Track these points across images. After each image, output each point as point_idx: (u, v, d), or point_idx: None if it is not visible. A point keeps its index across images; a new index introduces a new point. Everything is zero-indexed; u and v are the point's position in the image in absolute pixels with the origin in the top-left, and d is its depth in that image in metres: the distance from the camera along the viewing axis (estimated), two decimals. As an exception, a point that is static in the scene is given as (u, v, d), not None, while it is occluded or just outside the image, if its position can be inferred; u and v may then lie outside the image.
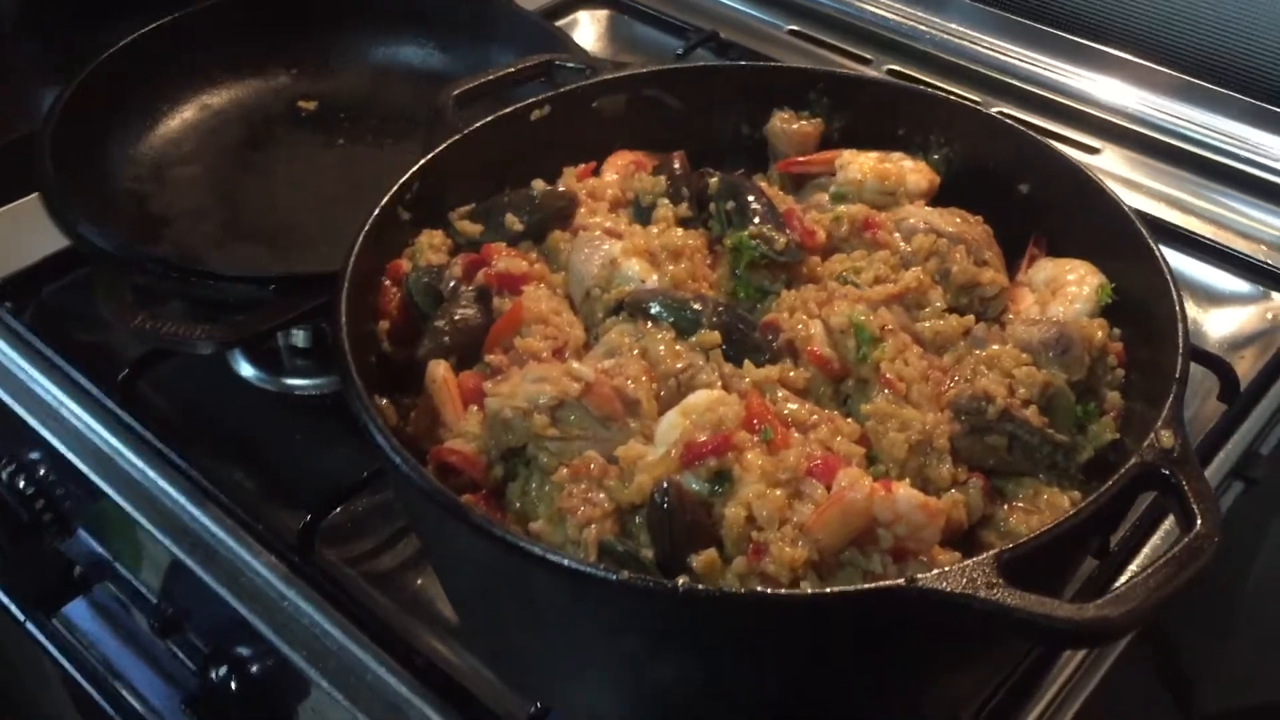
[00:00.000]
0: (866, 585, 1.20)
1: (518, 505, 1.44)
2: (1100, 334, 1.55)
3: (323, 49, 2.63)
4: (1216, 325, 2.21)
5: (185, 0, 2.53)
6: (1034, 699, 1.61)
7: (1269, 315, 2.23)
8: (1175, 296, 1.51)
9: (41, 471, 2.23)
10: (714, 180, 1.72)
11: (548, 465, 1.43)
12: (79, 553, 2.30)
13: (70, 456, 2.06)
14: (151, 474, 1.97)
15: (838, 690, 1.36)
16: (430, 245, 1.70)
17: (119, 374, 2.07)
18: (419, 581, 1.85)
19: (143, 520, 1.94)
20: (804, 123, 1.89)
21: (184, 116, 2.50)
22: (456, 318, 1.59)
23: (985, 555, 1.21)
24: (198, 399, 2.16)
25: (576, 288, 1.64)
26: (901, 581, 1.19)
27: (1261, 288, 2.27)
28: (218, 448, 2.05)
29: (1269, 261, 2.27)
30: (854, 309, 1.52)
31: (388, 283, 1.65)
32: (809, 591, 1.21)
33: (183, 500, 1.93)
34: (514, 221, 1.69)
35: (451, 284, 1.64)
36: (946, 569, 1.19)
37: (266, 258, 2.20)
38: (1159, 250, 1.58)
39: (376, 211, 1.62)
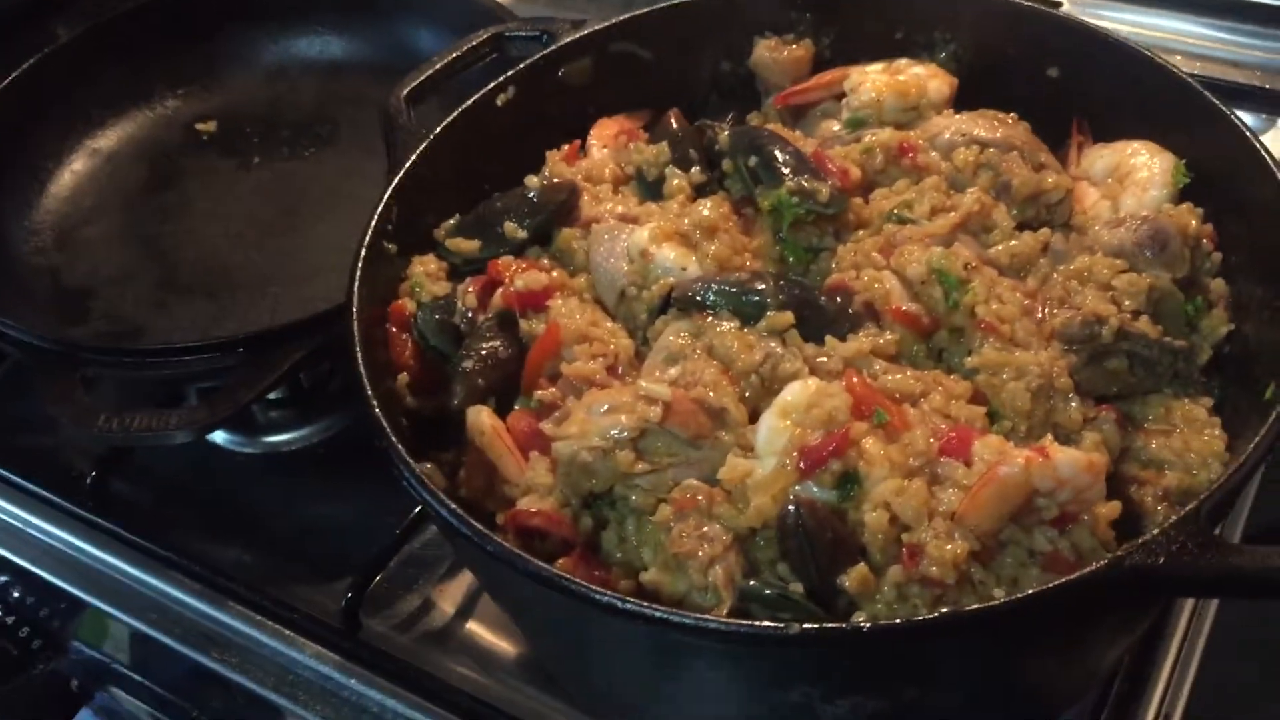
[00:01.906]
0: (1074, 578, 1.04)
1: (619, 556, 1.26)
2: (1194, 221, 1.41)
3: (206, 59, 2.35)
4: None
5: (37, 44, 2.23)
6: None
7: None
8: (1266, 157, 1.37)
9: (17, 595, 1.99)
10: (724, 135, 1.53)
11: (643, 504, 1.25)
12: (77, 666, 2.07)
13: (50, 579, 1.83)
14: (153, 581, 1.75)
15: (1017, 684, 1.22)
16: (427, 275, 1.49)
17: (87, 478, 1.83)
18: (468, 626, 1.67)
19: (158, 635, 1.73)
20: (793, 47, 1.70)
21: (74, 169, 2.21)
22: (484, 353, 1.39)
23: (1188, 511, 1.06)
24: (175, 482, 1.93)
25: (607, 289, 1.44)
26: (1105, 563, 1.04)
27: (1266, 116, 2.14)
28: (212, 531, 1.84)
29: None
30: (929, 252, 1.35)
31: (394, 330, 1.43)
32: (1016, 597, 1.05)
33: (194, 602, 1.72)
34: (514, 229, 1.49)
35: (468, 315, 1.43)
36: (1150, 539, 1.05)
37: (215, 313, 1.95)
38: (1232, 113, 1.43)
39: (363, 252, 1.41)
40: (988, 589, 1.16)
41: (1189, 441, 1.30)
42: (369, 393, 1.27)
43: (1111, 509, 1.20)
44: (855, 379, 1.26)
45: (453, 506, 1.15)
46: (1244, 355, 1.37)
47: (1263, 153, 1.40)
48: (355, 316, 1.34)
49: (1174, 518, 1.06)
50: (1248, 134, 1.42)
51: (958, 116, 1.56)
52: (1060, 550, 1.16)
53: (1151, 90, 1.51)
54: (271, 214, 2.11)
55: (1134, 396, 1.35)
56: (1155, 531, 1.04)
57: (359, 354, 1.29)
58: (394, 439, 1.23)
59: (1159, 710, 1.40)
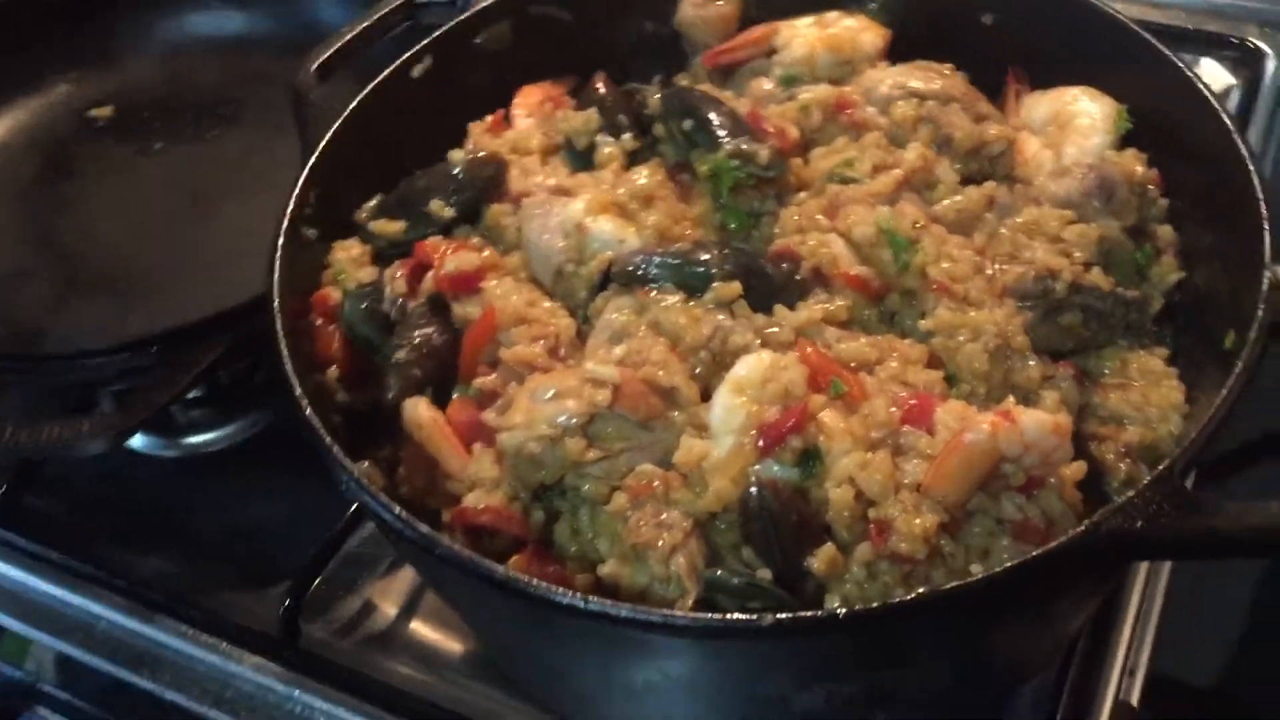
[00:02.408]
0: (1052, 547, 1.01)
1: (573, 549, 1.20)
2: (1139, 167, 1.38)
3: (99, 41, 2.20)
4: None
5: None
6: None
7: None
8: (1209, 97, 1.34)
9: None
10: (655, 98, 1.46)
11: (596, 493, 1.19)
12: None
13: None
14: (75, 599, 1.66)
15: (991, 656, 1.19)
16: (351, 260, 1.41)
17: (-5, 493, 1.73)
18: (412, 626, 1.60)
19: (84, 656, 1.63)
20: (719, 4, 1.63)
21: (-40, 163, 2.08)
22: (417, 342, 1.32)
23: (1161, 471, 1.04)
24: (92, 491, 1.83)
25: (542, 266, 1.37)
26: (1081, 531, 1.01)
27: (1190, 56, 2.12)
28: (135, 542, 1.74)
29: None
30: (875, 212, 1.30)
31: (319, 321, 1.35)
32: (997, 571, 1.01)
33: (121, 619, 1.63)
34: (440, 208, 1.41)
35: (397, 302, 1.35)
36: (1125, 501, 1.02)
37: (122, 310, 1.84)
38: (1175, 56, 1.40)
39: (280, 240, 1.32)
40: (958, 561, 1.12)
41: (1147, 395, 1.28)
42: (298, 392, 1.19)
43: (1077, 469, 1.16)
44: (809, 349, 1.21)
45: (397, 510, 1.08)
46: (1195, 303, 1.35)
47: (1206, 93, 1.38)
48: (277, 310, 1.25)
49: (1148, 477, 1.03)
50: (1190, 76, 1.39)
51: (893, 69, 1.51)
52: (1030, 517, 1.12)
53: (1089, 35, 1.48)
54: (176, 201, 1.99)
55: (1088, 351, 1.32)
56: (1131, 494, 1.01)
57: (284, 350, 1.21)
58: (329, 440, 1.15)
59: (1123, 666, 1.38)
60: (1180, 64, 1.38)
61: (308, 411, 1.16)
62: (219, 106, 2.16)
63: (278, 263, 1.30)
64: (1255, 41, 2.07)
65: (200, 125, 2.13)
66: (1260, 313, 1.13)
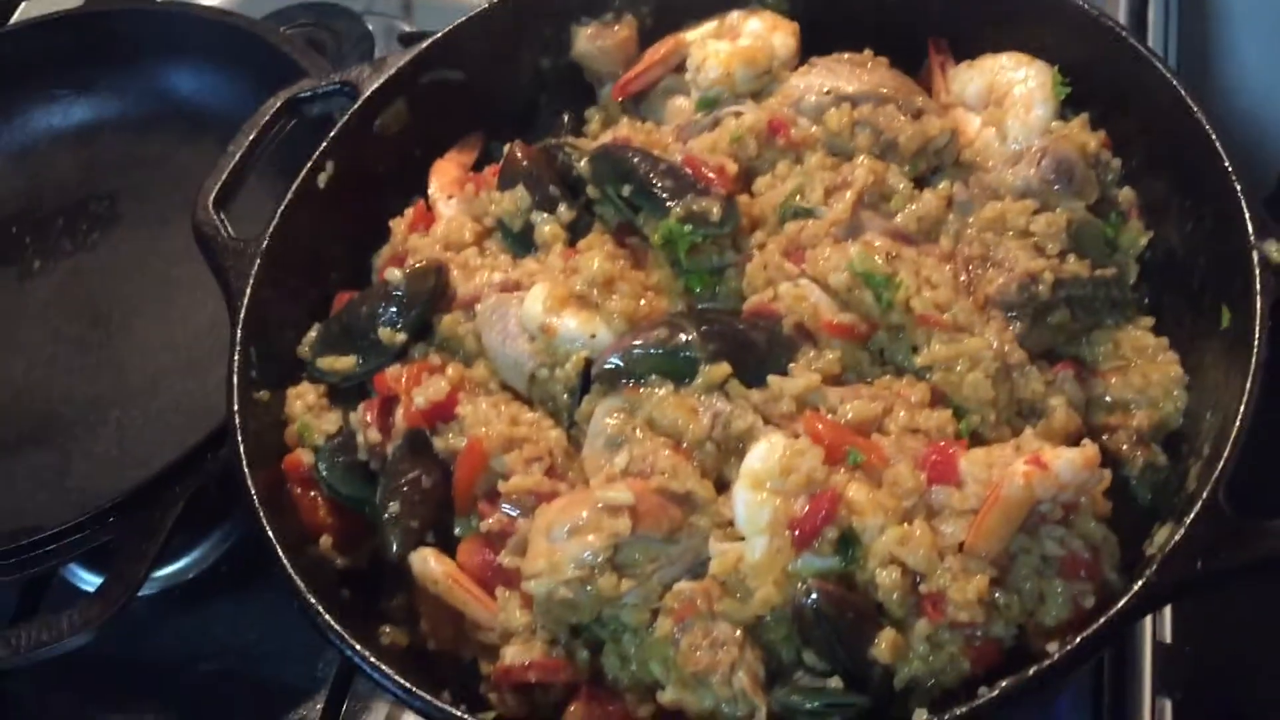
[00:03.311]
0: (1119, 609, 1.00)
1: (626, 679, 1.17)
2: (1090, 139, 1.34)
3: (-65, 160, 2.04)
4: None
5: None
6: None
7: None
8: (1136, 44, 1.31)
9: None
10: (583, 163, 1.38)
11: (637, 621, 1.15)
12: None
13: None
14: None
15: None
16: (309, 409, 1.32)
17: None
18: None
19: None
20: (614, 29, 1.54)
21: None
22: (406, 490, 1.25)
23: (1207, 501, 1.03)
24: (59, 657, 1.72)
25: (513, 374, 1.30)
26: (1143, 587, 1.00)
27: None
28: (120, 701, 1.65)
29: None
30: (846, 255, 1.25)
31: (298, 490, 1.27)
32: (1069, 649, 1.01)
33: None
34: (390, 335, 1.32)
35: (375, 451, 1.28)
36: (1181, 542, 1.01)
37: (56, 463, 1.73)
38: (1089, 5, 1.36)
39: (237, 420, 1.24)
40: (1014, 610, 1.11)
41: (1147, 374, 1.27)
42: (301, 588, 1.12)
43: (1105, 480, 1.15)
44: (819, 424, 1.17)
45: (442, 708, 1.03)
46: (1171, 261, 1.34)
47: (1132, 40, 1.35)
48: (257, 502, 1.17)
49: (1196, 508, 1.02)
50: (1112, 24, 1.35)
51: (815, 71, 1.44)
52: (1073, 550, 1.11)
53: (1005, -5, 1.42)
54: (79, 327, 1.87)
55: (1079, 339, 1.30)
56: (1182, 534, 1.00)
57: (278, 549, 1.14)
58: (347, 636, 1.09)
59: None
60: (1098, 13, 1.35)
61: (322, 615, 1.10)
62: (90, 204, 2.01)
63: (240, 443, 1.22)
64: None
65: (76, 232, 1.99)
66: (1259, 301, 1.11)
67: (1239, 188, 1.18)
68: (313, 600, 1.11)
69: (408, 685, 1.06)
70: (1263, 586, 1.29)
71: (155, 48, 2.00)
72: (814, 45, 1.50)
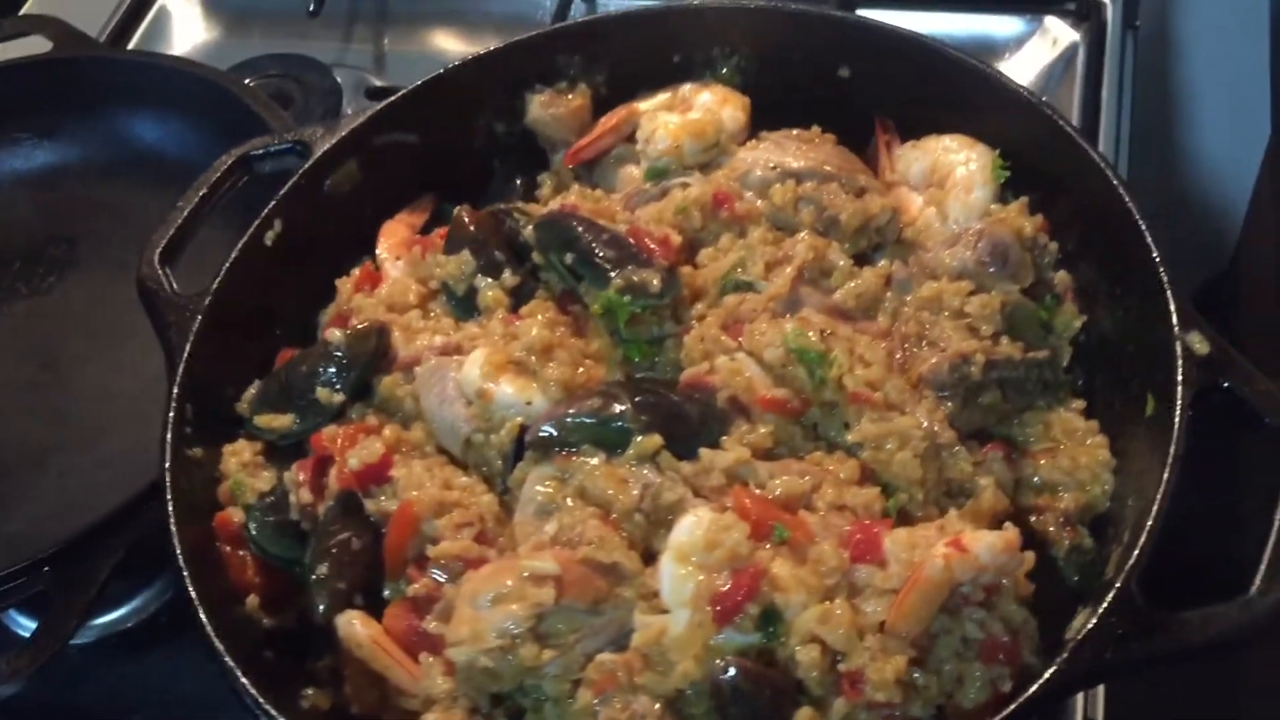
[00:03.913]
0: (1030, 695, 1.01)
1: (545, 748, 1.17)
2: (1026, 223, 1.36)
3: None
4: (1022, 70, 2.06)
5: None
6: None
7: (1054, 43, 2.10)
8: (1071, 132, 1.34)
9: None
10: (529, 230, 1.39)
11: (558, 691, 1.15)
12: None
13: None
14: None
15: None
16: (243, 466, 1.32)
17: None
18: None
19: None
20: (568, 98, 1.56)
21: None
22: (335, 552, 1.25)
23: (1119, 591, 1.04)
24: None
25: (449, 438, 1.31)
26: (1053, 675, 1.01)
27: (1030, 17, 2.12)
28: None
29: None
30: (782, 331, 1.27)
31: (228, 548, 1.27)
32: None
33: None
34: (329, 395, 1.33)
35: (306, 511, 1.28)
36: (1092, 632, 1.02)
37: (-11, 511, 1.72)
38: (1030, 94, 1.39)
39: (168, 477, 1.24)
40: (931, 690, 1.12)
41: (1075, 457, 1.28)
42: (219, 649, 1.12)
43: (1027, 563, 1.16)
44: (746, 499, 1.18)
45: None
46: (1103, 345, 1.36)
47: (1068, 128, 1.38)
48: (182, 559, 1.17)
49: (1109, 598, 1.03)
50: (1049, 112, 1.38)
51: (763, 146, 1.46)
52: (993, 633, 1.12)
53: (945, 80, 1.46)
54: (28, 368, 1.86)
55: (1010, 419, 1.32)
56: (1093, 624, 1.02)
57: (198, 608, 1.14)
58: (261, 700, 1.09)
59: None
60: (1037, 101, 1.38)
61: (241, 681, 1.10)
62: (49, 248, 2.02)
63: (170, 501, 1.22)
64: (1092, -7, 2.08)
65: (33, 275, 1.99)
66: (1180, 392, 1.13)
67: (1165, 278, 1.20)
68: (229, 662, 1.10)
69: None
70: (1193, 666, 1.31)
71: (120, 95, 2.01)
72: (765, 120, 1.52)
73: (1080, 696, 1.37)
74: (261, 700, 1.08)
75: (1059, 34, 2.09)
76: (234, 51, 2.30)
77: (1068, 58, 2.07)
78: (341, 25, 2.34)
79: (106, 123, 2.05)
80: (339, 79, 2.21)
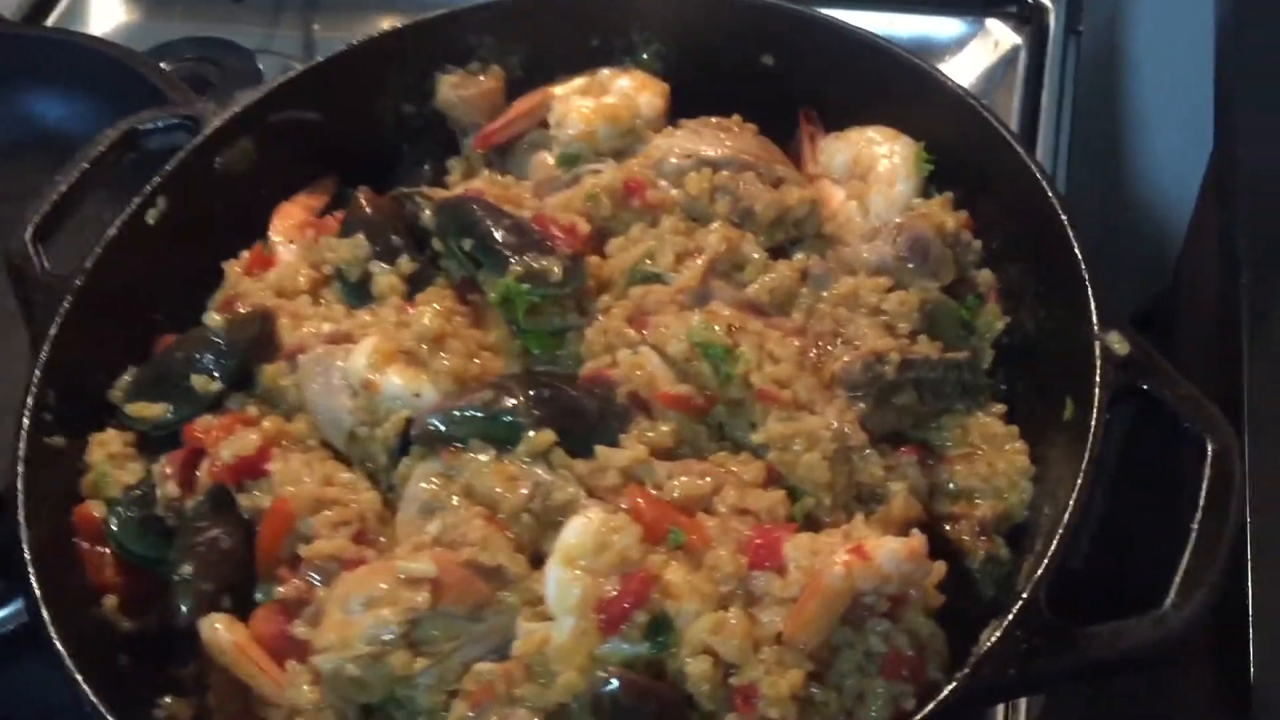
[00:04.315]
0: (927, 711, 0.93)
1: (417, 765, 1.08)
2: (949, 218, 1.30)
3: None
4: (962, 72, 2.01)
5: None
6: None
7: (995, 45, 2.06)
8: (999, 127, 1.28)
9: None
10: (427, 213, 1.32)
11: (430, 703, 1.07)
12: None
13: None
14: None
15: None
16: (110, 458, 1.23)
17: None
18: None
19: None
20: (480, 80, 1.49)
21: None
22: (202, 551, 1.16)
23: (1027, 602, 0.97)
24: None
25: (333, 431, 1.23)
26: (954, 690, 0.94)
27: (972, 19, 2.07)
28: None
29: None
30: (687, 324, 1.20)
31: (85, 545, 1.18)
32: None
33: None
34: (205, 383, 1.24)
35: (173, 506, 1.19)
36: (995, 646, 0.95)
37: None
38: (956, 86, 1.33)
39: (19, 469, 1.15)
40: (831, 707, 1.05)
41: (993, 463, 1.22)
42: (61, 653, 1.03)
43: (937, 572, 1.10)
44: (640, 499, 1.10)
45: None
46: (1025, 347, 1.30)
47: (994, 121, 1.32)
48: (29, 555, 1.08)
49: (1015, 610, 0.97)
50: (974, 104, 1.33)
51: (679, 133, 1.40)
52: (898, 647, 1.05)
53: (872, 70, 1.40)
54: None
55: (927, 422, 1.25)
56: (998, 636, 0.95)
57: (41, 608, 1.05)
58: (101, 707, 1.01)
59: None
60: (964, 93, 1.33)
61: (76, 677, 1.01)
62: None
63: (20, 490, 1.13)
64: (1034, -5, 2.04)
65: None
66: (1097, 394, 1.07)
67: (1087, 276, 1.14)
68: (70, 665, 1.02)
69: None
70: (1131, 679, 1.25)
71: (24, 73, 1.92)
72: (686, 108, 1.46)
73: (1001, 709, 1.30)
74: (100, 707, 1.00)
75: (1000, 36, 2.04)
76: (154, 33, 2.21)
77: (1009, 60, 2.03)
78: (268, 11, 2.25)
79: (9, 102, 1.96)
80: (262, 65, 2.12)
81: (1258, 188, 1.52)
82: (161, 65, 1.94)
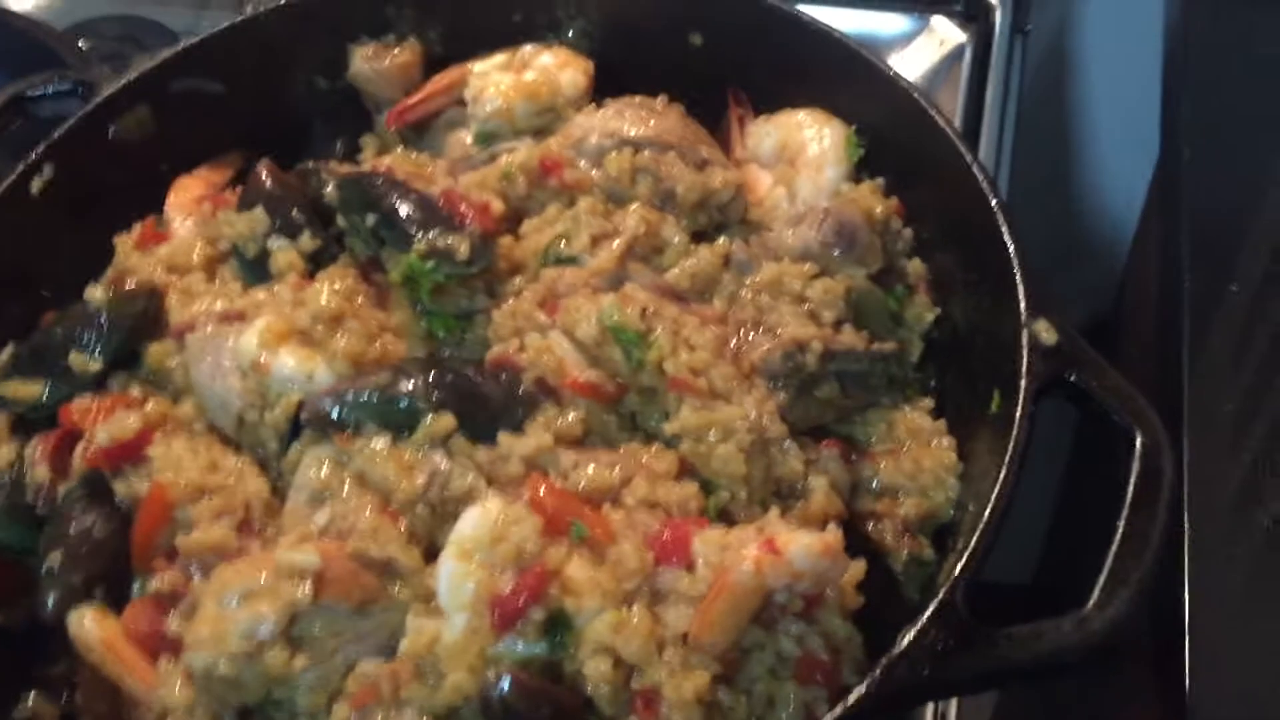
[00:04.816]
0: (837, 715, 0.87)
1: (293, 772, 1.01)
2: (878, 204, 1.25)
3: None
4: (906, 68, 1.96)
5: None
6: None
7: (940, 43, 2.01)
8: (934, 114, 1.23)
9: None
10: (330, 190, 1.25)
11: (311, 705, 1.00)
12: None
13: None
14: None
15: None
16: (-22, 439, 1.15)
17: None
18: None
19: None
20: (395, 52, 1.42)
21: None
22: (73, 540, 1.09)
23: (942, 600, 0.92)
24: None
25: (221, 414, 1.15)
26: (865, 692, 0.88)
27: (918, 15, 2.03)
28: None
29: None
30: (598, 305, 1.13)
31: (-54, 532, 1.10)
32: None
33: None
34: (84, 362, 1.17)
35: (44, 492, 1.11)
36: (910, 646, 0.89)
37: None
38: (889, 69, 1.28)
39: None
40: (738, 713, 0.98)
41: (919, 459, 1.16)
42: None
43: (855, 572, 1.04)
44: (542, 487, 1.04)
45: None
46: (954, 341, 1.24)
47: (925, 105, 1.26)
48: None
49: (930, 609, 0.91)
50: (906, 87, 1.27)
51: (601, 112, 1.33)
52: (811, 650, 0.99)
53: (802, 51, 1.34)
54: None
55: (851, 416, 1.19)
56: (911, 636, 0.89)
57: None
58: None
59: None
60: (897, 77, 1.27)
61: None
62: None
63: None
64: (982, -7, 2.00)
65: None
66: (1023, 383, 1.01)
67: (1016, 261, 1.09)
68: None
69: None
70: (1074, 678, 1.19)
71: None
72: (611, 88, 1.40)
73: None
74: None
75: (946, 34, 2.00)
76: (77, 10, 2.12)
77: (954, 58, 1.98)
78: (200, -9, 2.17)
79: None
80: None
81: (1201, 191, 1.48)
82: (79, 43, 1.86)
